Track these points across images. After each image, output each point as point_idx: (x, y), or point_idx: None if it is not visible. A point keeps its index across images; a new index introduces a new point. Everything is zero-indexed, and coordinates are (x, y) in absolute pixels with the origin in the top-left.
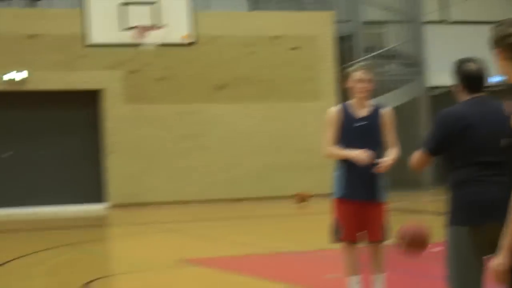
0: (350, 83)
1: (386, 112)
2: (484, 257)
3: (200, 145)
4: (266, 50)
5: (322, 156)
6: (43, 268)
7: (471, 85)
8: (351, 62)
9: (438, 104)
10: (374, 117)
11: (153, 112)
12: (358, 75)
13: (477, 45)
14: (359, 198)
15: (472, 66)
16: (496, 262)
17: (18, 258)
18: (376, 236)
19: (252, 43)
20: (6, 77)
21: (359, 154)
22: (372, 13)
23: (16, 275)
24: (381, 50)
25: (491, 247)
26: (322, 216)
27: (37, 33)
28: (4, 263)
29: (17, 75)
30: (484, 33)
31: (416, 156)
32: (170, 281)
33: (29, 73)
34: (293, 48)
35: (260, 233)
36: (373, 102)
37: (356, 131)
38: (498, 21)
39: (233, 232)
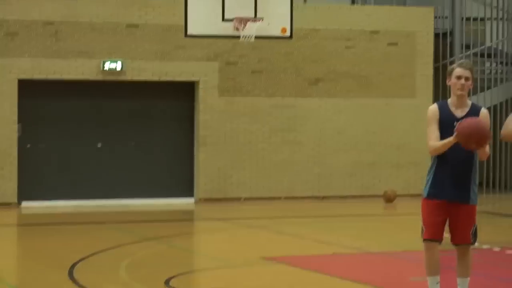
0: (450, 80)
1: (484, 113)
2: None
3: (292, 140)
4: (364, 45)
5: (428, 152)
6: (128, 261)
7: None
8: (449, 59)
9: None
10: (472, 116)
11: (246, 105)
12: (458, 71)
13: None
14: (448, 198)
15: None
16: None
17: (104, 250)
18: (465, 239)
19: (350, 37)
20: (104, 66)
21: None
22: (473, 9)
23: (100, 268)
24: (480, 48)
25: None
26: (410, 217)
27: (136, 23)
28: (89, 256)
29: (114, 65)
30: None
31: None
32: (252, 278)
33: (125, 63)
34: (391, 44)
35: (346, 232)
36: (471, 101)
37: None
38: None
39: (319, 231)
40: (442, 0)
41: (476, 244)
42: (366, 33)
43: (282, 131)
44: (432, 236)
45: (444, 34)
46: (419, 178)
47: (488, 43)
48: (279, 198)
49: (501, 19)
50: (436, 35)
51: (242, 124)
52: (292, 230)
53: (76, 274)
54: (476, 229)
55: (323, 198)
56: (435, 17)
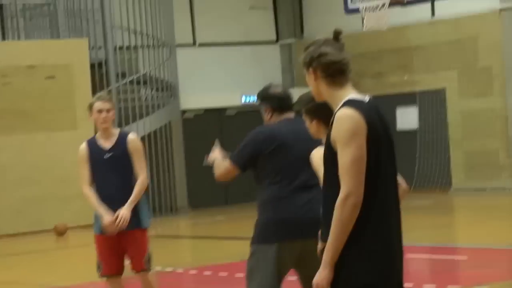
0: (93, 115)
1: (132, 139)
2: (286, 273)
3: None
4: (21, 80)
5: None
6: None
7: (281, 106)
8: (106, 89)
9: (190, 126)
10: (120, 146)
11: None
12: (97, 106)
13: (227, 66)
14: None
15: (278, 89)
16: (320, 276)
17: None
18: (140, 265)
19: (6, 73)
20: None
21: (106, 222)
22: (124, 39)
23: None
24: (136, 76)
25: (298, 262)
26: (84, 249)
27: None
28: None
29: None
30: (232, 54)
31: (224, 166)
32: None
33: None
34: (49, 77)
35: (25, 269)
36: (118, 129)
37: (106, 163)
38: (311, 42)
39: None
40: (95, 30)
41: (157, 268)
42: (22, 68)
43: None
44: (110, 272)
45: (100, 64)
46: (87, 210)
47: (142, 71)
48: None
49: (152, 46)
50: (92, 66)
51: None
52: None
53: None
54: (150, 254)
55: None
56: (90, 48)
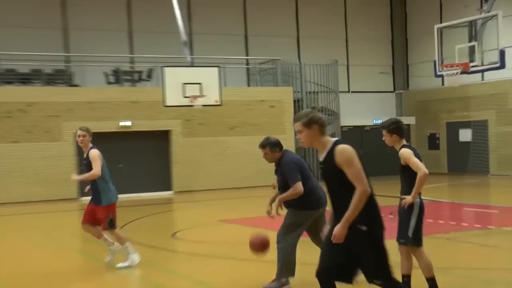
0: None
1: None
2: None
3: (222, 159)
4: (256, 108)
5: None
6: (145, 226)
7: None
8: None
9: (346, 135)
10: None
11: (197, 141)
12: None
13: (365, 103)
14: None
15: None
16: (340, 232)
17: (129, 222)
18: (103, 226)
19: (250, 103)
20: (120, 124)
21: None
22: (311, 87)
23: (131, 231)
24: (316, 107)
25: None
26: None
27: (137, 100)
28: (125, 225)
29: (126, 123)
30: (368, 98)
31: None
32: (215, 232)
33: (132, 122)
34: (271, 106)
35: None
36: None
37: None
38: (311, 108)
39: (247, 206)
40: (295, 82)
41: None
42: (257, 102)
43: (219, 155)
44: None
45: (298, 101)
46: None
47: (320, 104)
48: (217, 189)
49: (326, 92)
50: (294, 102)
51: (195, 151)
52: (229, 205)
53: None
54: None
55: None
56: (293, 92)
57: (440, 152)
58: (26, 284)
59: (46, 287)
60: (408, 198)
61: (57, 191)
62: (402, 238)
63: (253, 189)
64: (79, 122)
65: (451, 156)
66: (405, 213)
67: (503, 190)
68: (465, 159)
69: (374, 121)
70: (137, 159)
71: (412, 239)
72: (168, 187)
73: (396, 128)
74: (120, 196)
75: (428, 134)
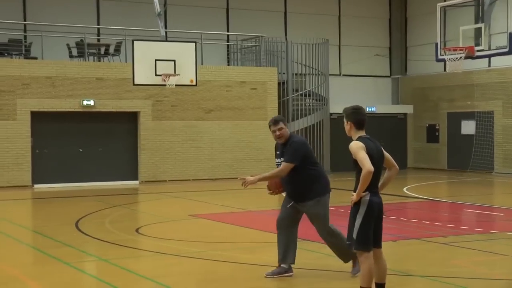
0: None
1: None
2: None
3: (196, 146)
4: (237, 90)
5: None
6: (108, 219)
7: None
8: (284, 98)
9: (335, 123)
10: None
11: (168, 125)
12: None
13: (358, 89)
14: None
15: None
16: (354, 198)
17: (91, 213)
18: None
19: (229, 85)
20: (83, 103)
21: None
22: (298, 69)
23: (93, 223)
24: (303, 91)
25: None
26: None
27: (102, 77)
28: (84, 216)
29: (89, 102)
30: (362, 82)
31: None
32: (182, 228)
33: (95, 101)
34: (252, 89)
35: (233, 200)
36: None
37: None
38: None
39: (215, 198)
40: (281, 63)
41: None
42: (237, 82)
43: (190, 141)
44: None
45: (283, 83)
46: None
47: (307, 88)
48: (189, 180)
49: (314, 74)
50: (278, 84)
51: (165, 137)
52: (201, 198)
53: (80, 227)
54: None
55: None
56: (278, 73)
57: (440, 145)
58: None
59: None
60: (353, 196)
61: (10, 177)
62: (348, 239)
63: (229, 181)
64: (36, 99)
65: (451, 150)
66: (351, 212)
67: (508, 190)
68: (468, 155)
69: (368, 109)
70: (99, 144)
71: (356, 242)
72: (134, 176)
73: (352, 114)
74: (79, 185)
75: (427, 125)
